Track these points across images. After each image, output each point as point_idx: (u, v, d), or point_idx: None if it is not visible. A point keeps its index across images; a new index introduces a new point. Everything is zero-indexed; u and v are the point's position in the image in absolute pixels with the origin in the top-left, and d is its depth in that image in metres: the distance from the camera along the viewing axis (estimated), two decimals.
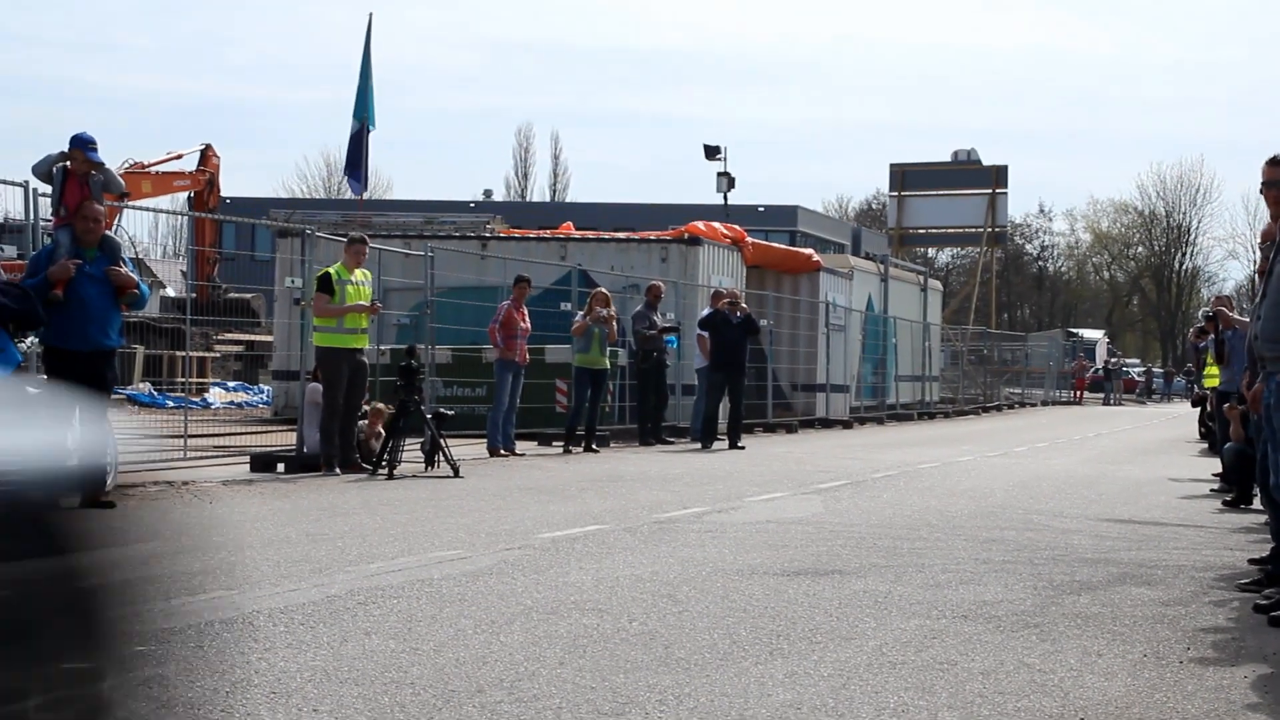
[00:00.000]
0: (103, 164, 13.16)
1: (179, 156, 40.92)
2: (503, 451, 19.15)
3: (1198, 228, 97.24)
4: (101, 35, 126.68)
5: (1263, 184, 8.21)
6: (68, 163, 12.99)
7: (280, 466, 16.00)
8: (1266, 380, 8.09)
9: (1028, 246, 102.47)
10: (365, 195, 37.14)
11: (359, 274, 16.42)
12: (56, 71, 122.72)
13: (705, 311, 24.14)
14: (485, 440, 19.36)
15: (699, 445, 22.66)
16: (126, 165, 37.80)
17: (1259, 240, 9.18)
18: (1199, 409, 26.18)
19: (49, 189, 13.31)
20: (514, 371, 19.49)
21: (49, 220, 13.60)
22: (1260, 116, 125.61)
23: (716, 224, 30.81)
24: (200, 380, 30.98)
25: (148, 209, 32.87)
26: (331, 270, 16.22)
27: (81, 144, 12.93)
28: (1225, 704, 5.81)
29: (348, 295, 16.11)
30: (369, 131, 34.72)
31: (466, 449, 18.20)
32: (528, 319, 19.81)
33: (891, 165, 74.83)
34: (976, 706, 5.62)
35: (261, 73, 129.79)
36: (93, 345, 11.86)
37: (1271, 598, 8.06)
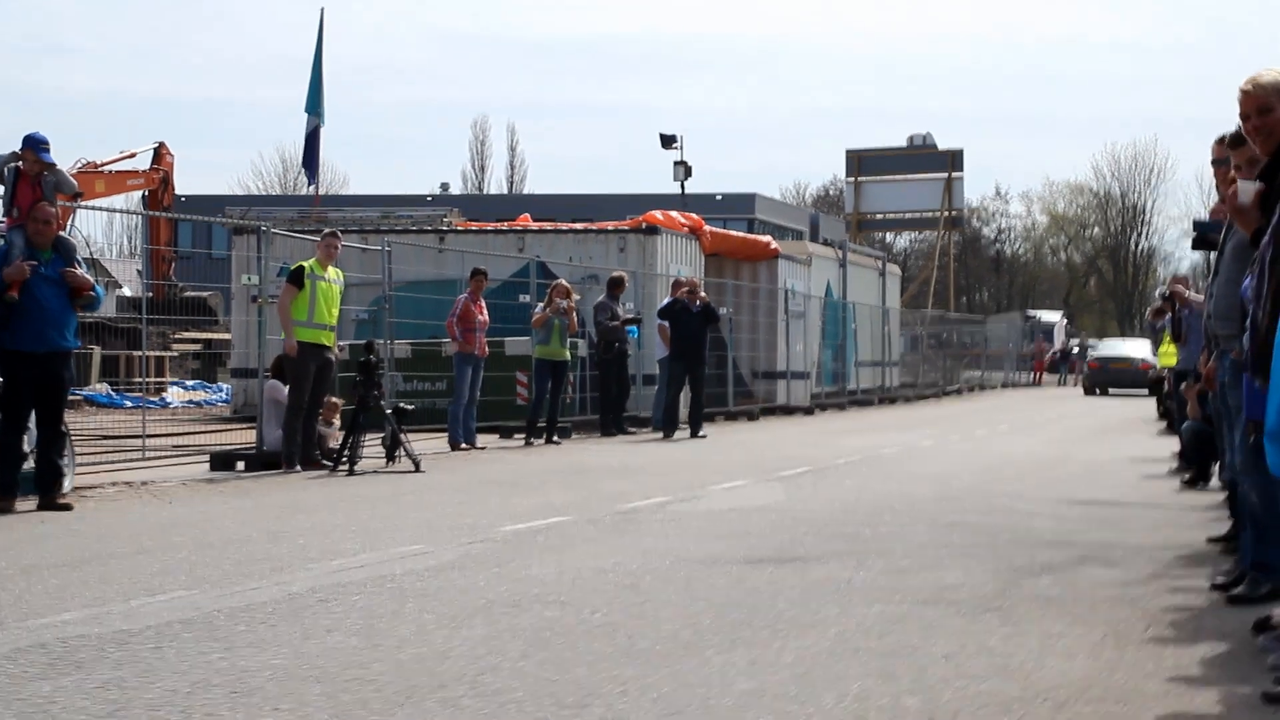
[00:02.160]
0: (55, 164, 13.03)
1: (132, 155, 40.69)
2: (464, 445, 19.10)
3: (1153, 207, 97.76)
4: (51, 37, 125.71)
5: (1212, 161, 8.26)
6: (19, 163, 12.86)
7: (240, 465, 15.93)
8: (1220, 358, 8.14)
9: (985, 229, 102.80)
10: (321, 191, 37.02)
11: (332, 271, 16.36)
12: (6, 74, 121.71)
13: (665, 301, 24.15)
14: (446, 434, 19.31)
15: (660, 435, 22.67)
16: (79, 165, 37.53)
17: (1210, 218, 9.22)
18: (1158, 388, 26.36)
19: (0, 190, 13.19)
20: (473, 365, 19.44)
21: (1, 222, 13.48)
22: (1213, 95, 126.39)
23: (674, 213, 30.78)
24: (158, 380, 30.80)
25: (102, 209, 32.73)
26: (306, 265, 16.14)
27: (33, 144, 12.81)
28: (1184, 683, 5.84)
29: (319, 291, 16.02)
30: (321, 126, 34.62)
31: (427, 443, 18.17)
32: (485, 312, 19.76)
33: (848, 151, 74.95)
34: (939, 691, 5.64)
35: (215, 71, 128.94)
36: (50, 347, 11.80)
37: (1230, 575, 8.11)
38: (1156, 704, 5.50)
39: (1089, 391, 48.28)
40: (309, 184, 36.24)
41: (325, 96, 35.40)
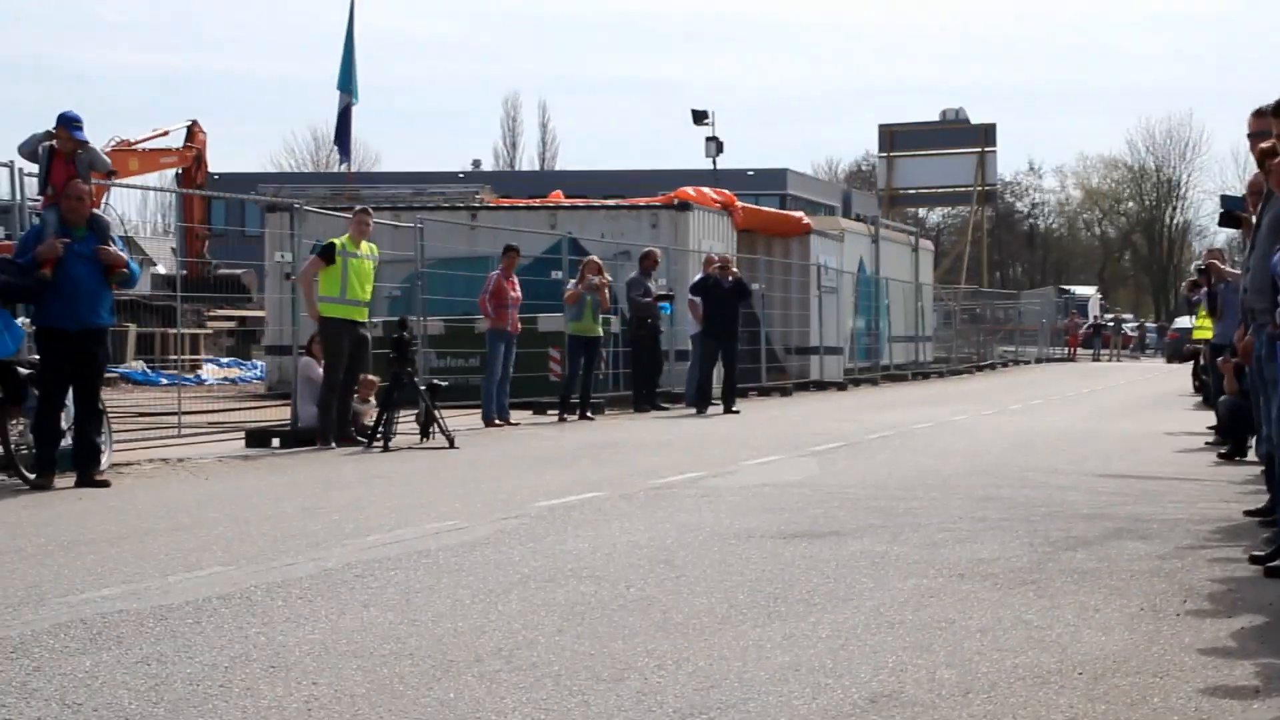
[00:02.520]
0: (88, 142, 13.11)
1: (165, 133, 40.82)
2: (498, 421, 19.14)
3: (1188, 181, 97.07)
4: (82, 13, 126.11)
5: (1249, 135, 8.20)
6: (53, 142, 12.93)
7: (275, 441, 16.00)
8: (1257, 332, 8.10)
9: (1018, 204, 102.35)
10: (352, 168, 37.08)
11: (365, 247, 16.39)
12: (40, 50, 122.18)
13: (697, 277, 24.12)
14: (480, 411, 19.35)
15: (693, 411, 22.67)
16: (113, 143, 37.69)
17: (1248, 191, 9.17)
18: (1193, 362, 26.19)
19: (35, 168, 13.26)
20: (506, 341, 19.46)
21: (36, 200, 13.56)
22: (1248, 68, 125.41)
23: (706, 189, 30.74)
24: (193, 357, 30.98)
25: (136, 186, 32.76)
26: (337, 241, 16.17)
27: (66, 122, 12.88)
28: (1222, 655, 5.82)
29: (350, 268, 16.06)
30: (353, 104, 34.67)
31: (461, 420, 18.21)
32: (518, 288, 19.77)
33: (880, 126, 74.79)
34: (975, 664, 5.63)
35: (246, 47, 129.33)
36: (82, 324, 11.84)
37: (1268, 547, 8.07)
38: (1194, 676, 5.48)
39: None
40: (341, 162, 36.32)
41: (357, 73, 35.44)
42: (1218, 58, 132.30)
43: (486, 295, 19.46)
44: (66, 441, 12.13)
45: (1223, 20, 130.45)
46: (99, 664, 5.60)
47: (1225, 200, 9.04)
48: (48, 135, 13.01)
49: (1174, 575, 7.67)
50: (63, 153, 12.83)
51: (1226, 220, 9.15)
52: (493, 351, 19.42)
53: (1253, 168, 9.29)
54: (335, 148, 36.56)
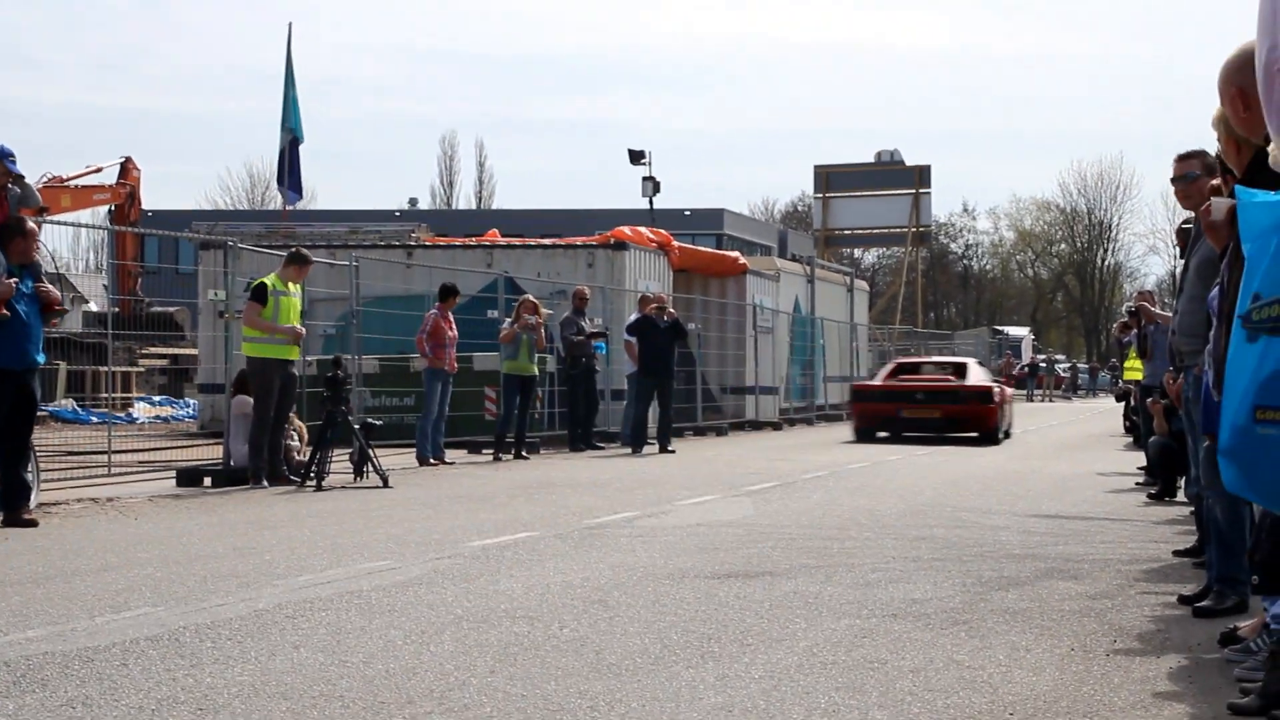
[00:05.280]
0: (23, 177, 13.00)
1: (99, 170, 40.48)
2: (432, 461, 19.06)
3: (1119, 224, 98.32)
4: (13, 50, 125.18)
5: (1172, 179, 8.31)
6: None
7: (207, 480, 15.86)
8: (1185, 374, 8.19)
9: (952, 245, 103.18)
10: (289, 205, 36.92)
11: (293, 286, 16.36)
12: None
13: (633, 317, 24.15)
14: (415, 450, 19.26)
15: (629, 450, 22.66)
16: (45, 179, 37.34)
17: (1175, 238, 9.29)
18: (1123, 403, 26.43)
19: None
20: (443, 380, 19.41)
21: None
22: (1177, 112, 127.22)
23: (642, 228, 30.80)
24: (124, 395, 30.66)
25: (68, 223, 32.50)
26: (268, 280, 16.11)
27: (2, 156, 12.76)
28: (1150, 695, 5.87)
29: (280, 306, 16.00)
30: (299, 143, 34.55)
31: (395, 459, 18.11)
32: (455, 327, 19.74)
33: (816, 167, 75.18)
34: (907, 704, 5.64)
35: (181, 84, 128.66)
36: (27, 363, 11.81)
37: (1197, 588, 8.14)
38: (1124, 716, 5.52)
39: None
40: (292, 202, 36.10)
41: (293, 112, 35.30)
42: (1148, 102, 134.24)
43: (424, 334, 19.41)
44: None
45: (1153, 64, 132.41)
46: (22, 707, 5.51)
47: (1181, 233, 9.20)
48: None
49: (1104, 615, 7.72)
50: None
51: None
52: (429, 390, 19.35)
53: (1181, 211, 9.42)
54: (280, 188, 36.28)
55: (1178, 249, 9.32)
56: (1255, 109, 5.42)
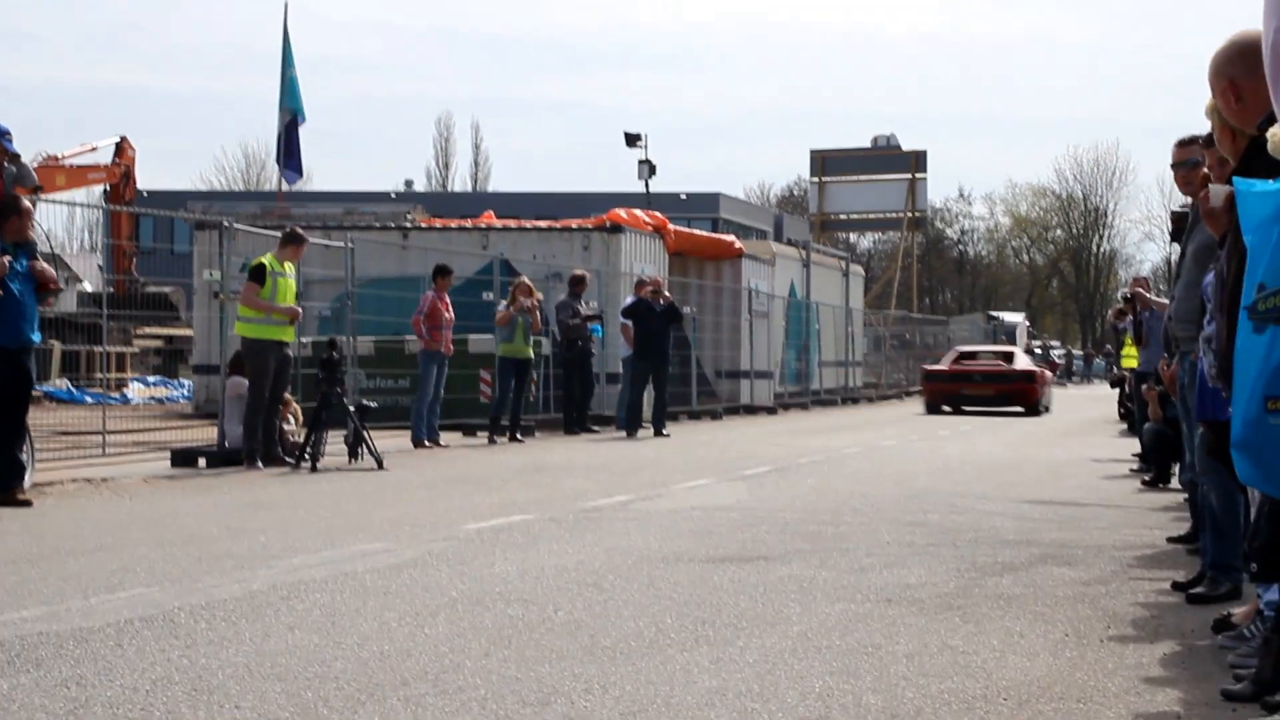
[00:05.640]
0: (18, 155, 12.98)
1: (93, 149, 40.35)
2: (427, 443, 19.06)
3: (1114, 210, 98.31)
4: (8, 26, 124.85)
5: (1172, 164, 8.30)
6: None
7: (202, 461, 15.86)
8: (1180, 360, 8.19)
9: (948, 231, 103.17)
10: (285, 187, 36.86)
11: (288, 266, 16.34)
12: None
13: (628, 300, 24.15)
14: (409, 432, 19.27)
15: (624, 434, 22.67)
16: (40, 158, 37.26)
17: (1170, 222, 9.29)
18: (1118, 390, 26.52)
19: None
20: (439, 362, 19.41)
21: None
22: (1173, 99, 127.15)
23: (638, 211, 30.80)
24: (119, 375, 30.65)
25: (63, 202, 32.45)
26: (265, 260, 16.08)
27: None
28: (1143, 681, 5.87)
29: (278, 287, 15.98)
30: (300, 123, 34.52)
31: (390, 441, 18.11)
32: (451, 309, 19.73)
33: (812, 151, 75.04)
34: (901, 689, 5.65)
35: (176, 63, 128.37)
36: (23, 342, 11.80)
37: (1190, 574, 8.16)
38: (1117, 702, 5.53)
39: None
40: (291, 182, 36.05)
41: (293, 91, 35.25)
42: (1144, 88, 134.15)
43: (421, 316, 19.40)
44: None
45: (1149, 51, 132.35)
46: (16, 687, 5.51)
47: (1176, 216, 9.20)
48: None
49: (1098, 601, 7.73)
50: None
51: (1178, 235, 9.29)
52: (425, 373, 19.35)
53: (1177, 197, 9.42)
54: (281, 167, 36.22)
55: (1171, 232, 9.31)
56: (1247, 100, 5.41)
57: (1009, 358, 36.70)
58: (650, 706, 5.35)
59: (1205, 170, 7.02)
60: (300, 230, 17.08)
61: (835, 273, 44.53)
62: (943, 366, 36.58)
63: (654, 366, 23.14)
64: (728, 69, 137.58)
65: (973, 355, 37.87)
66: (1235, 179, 5.22)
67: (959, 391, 34.80)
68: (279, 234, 17.12)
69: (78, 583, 7.91)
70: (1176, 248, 8.79)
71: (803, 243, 48.48)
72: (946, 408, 34.43)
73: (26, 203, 12.13)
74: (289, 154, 34.97)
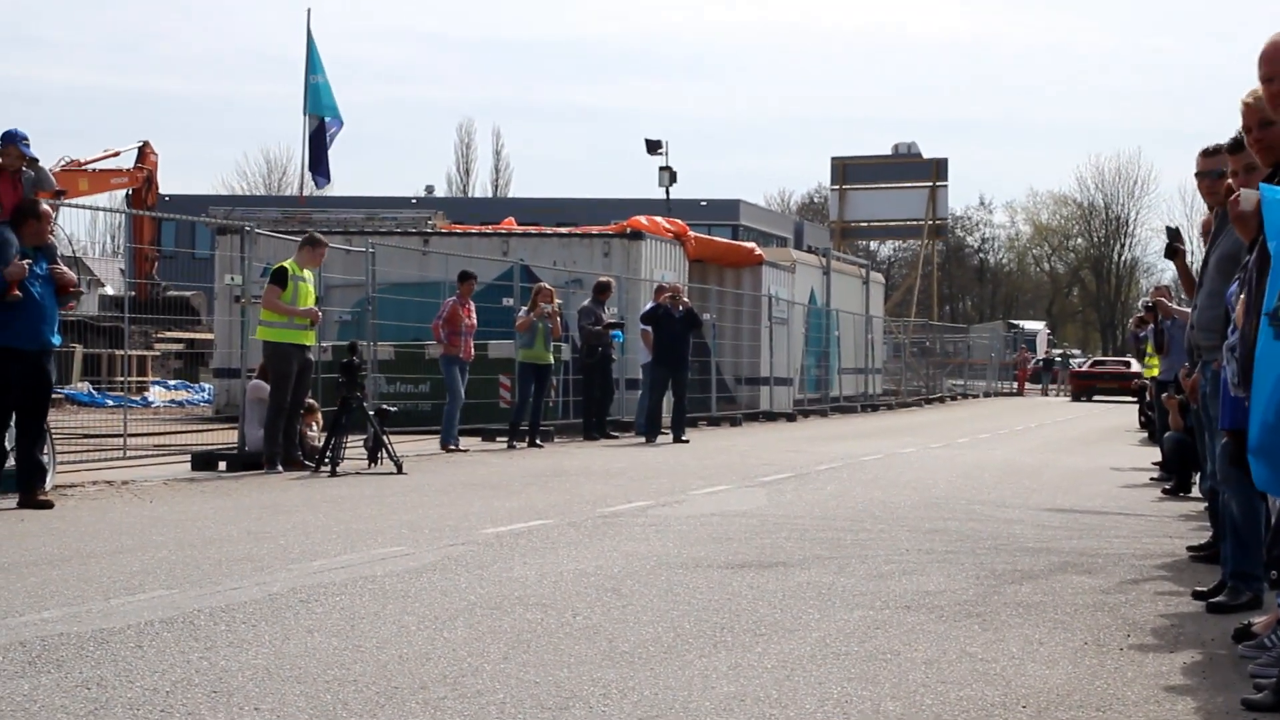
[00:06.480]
0: (37, 160, 13.03)
1: (116, 154, 40.55)
2: (452, 447, 19.11)
3: (1136, 219, 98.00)
4: (30, 30, 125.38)
5: (1196, 173, 8.28)
6: None
7: (222, 465, 15.90)
8: (1202, 369, 8.16)
9: (968, 239, 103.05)
10: (306, 192, 36.95)
11: (308, 272, 16.40)
12: None
13: (648, 306, 24.15)
14: (426, 437, 19.30)
15: (643, 439, 22.67)
16: (63, 163, 37.43)
17: (1201, 231, 9.27)
18: (1139, 399, 26.45)
19: None
20: (460, 367, 19.45)
21: None
22: (1195, 107, 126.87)
23: (659, 218, 30.80)
24: (140, 379, 30.74)
25: (85, 207, 32.53)
26: (287, 265, 16.14)
27: (14, 139, 12.80)
28: (1163, 690, 5.86)
29: (298, 291, 16.04)
30: (339, 127, 34.67)
31: (410, 445, 18.14)
32: (474, 315, 19.76)
33: (833, 159, 75.11)
34: (919, 696, 5.64)
35: (198, 69, 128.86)
36: (42, 344, 11.83)
37: (1211, 584, 8.13)
38: (1137, 711, 5.51)
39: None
40: (321, 186, 36.20)
41: (320, 96, 35.34)
42: (1166, 97, 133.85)
43: (440, 321, 19.44)
44: (9, 462, 12.02)
45: (1171, 58, 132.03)
46: (37, 687, 5.53)
47: (1171, 232, 9.15)
48: None
49: (1118, 610, 7.71)
50: (7, 170, 12.73)
51: (1172, 253, 9.27)
52: (449, 377, 19.40)
53: (1200, 206, 9.40)
54: (312, 173, 36.35)
55: (1166, 249, 9.28)
56: None
57: (1127, 364, 48.87)
58: (668, 712, 5.35)
59: (1229, 181, 7.01)
60: (319, 235, 17.13)
61: (855, 280, 44.47)
62: (1085, 369, 54.70)
63: (673, 372, 23.14)
64: (749, 76, 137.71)
65: (1102, 362, 56.96)
66: (1262, 185, 5.21)
67: (1094, 385, 51.34)
68: (298, 240, 17.17)
69: (98, 584, 7.93)
70: (1198, 257, 8.77)
71: (823, 250, 48.44)
72: (1082, 398, 50.98)
73: (46, 206, 12.18)
74: (316, 160, 35.09)
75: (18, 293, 11.62)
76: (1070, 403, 50.48)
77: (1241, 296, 5.93)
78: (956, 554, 9.77)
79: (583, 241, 27.96)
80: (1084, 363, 58.82)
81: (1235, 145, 6.90)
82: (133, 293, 34.04)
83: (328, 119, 35.12)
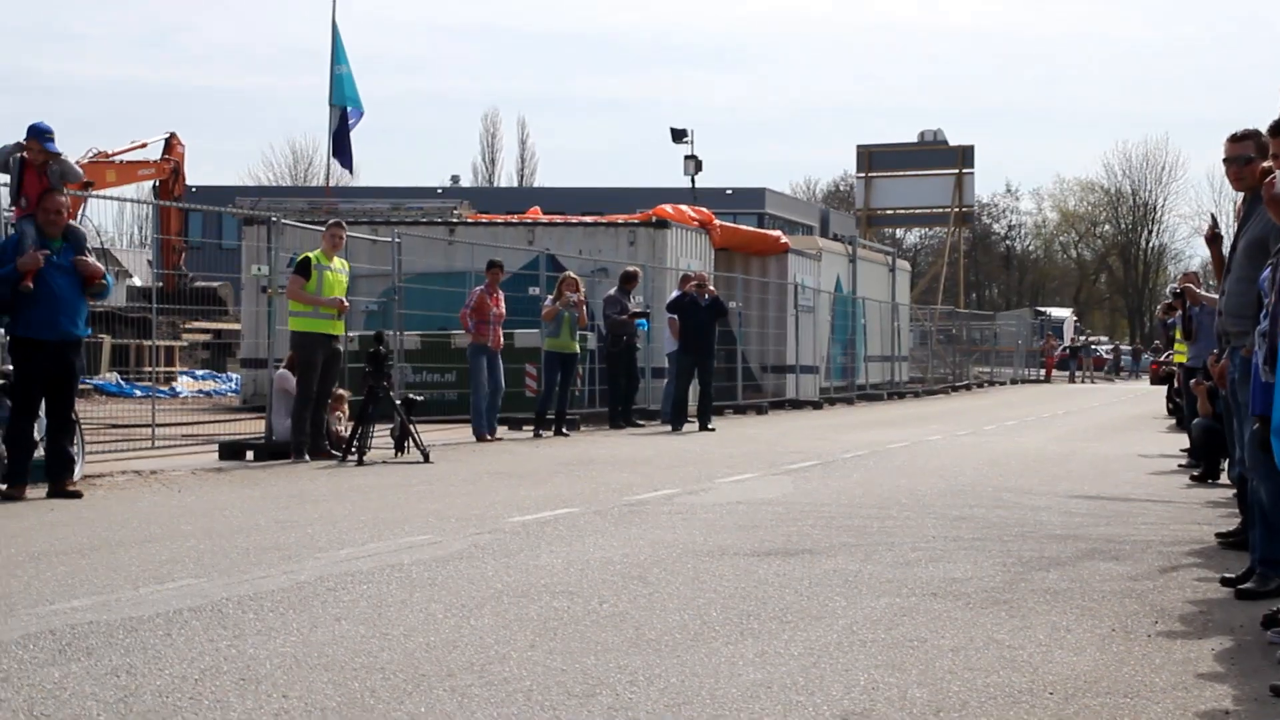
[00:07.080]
0: (60, 154, 13.04)
1: (144, 145, 40.72)
2: (488, 436, 19.15)
3: (1163, 205, 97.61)
4: (58, 24, 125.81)
5: (1225, 159, 8.23)
6: (24, 153, 12.87)
7: (249, 454, 15.95)
8: (1231, 356, 8.13)
9: (995, 226, 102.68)
10: (331, 182, 37.03)
11: (337, 261, 16.40)
12: (13, 62, 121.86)
13: (674, 294, 24.14)
14: (454, 426, 19.32)
15: (669, 428, 22.67)
16: (91, 155, 37.59)
17: (1236, 215, 9.23)
18: (1166, 385, 26.35)
19: (6, 179, 13.20)
20: (487, 356, 19.46)
21: (10, 211, 13.50)
22: (1223, 93, 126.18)
23: (684, 207, 30.77)
24: (168, 369, 30.89)
25: (113, 198, 32.75)
26: (312, 255, 16.18)
27: (38, 134, 12.80)
28: (1191, 676, 5.84)
29: (325, 281, 16.07)
30: (359, 116, 34.78)
31: (436, 434, 18.17)
32: (503, 304, 19.77)
33: (858, 146, 74.85)
34: (946, 683, 5.64)
35: (226, 60, 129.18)
36: (62, 335, 11.87)
37: (1239, 570, 8.10)
38: (1164, 698, 5.50)
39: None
40: (349, 173, 36.42)
41: (344, 87, 35.40)
42: (1194, 83, 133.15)
43: (468, 310, 19.46)
44: (39, 452, 12.08)
45: (1199, 46, 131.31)
46: (68, 675, 5.57)
47: (1213, 217, 9.16)
48: (19, 146, 12.93)
49: (1145, 596, 7.68)
50: (34, 164, 12.76)
51: (1213, 238, 9.24)
52: (475, 366, 19.41)
53: (1228, 191, 9.37)
54: (335, 161, 36.51)
55: (1209, 230, 9.24)
56: None
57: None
58: (695, 699, 5.36)
59: (1265, 164, 6.96)
60: (336, 221, 17.13)
61: (881, 268, 44.38)
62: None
63: (699, 361, 23.12)
64: (774, 64, 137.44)
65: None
66: None
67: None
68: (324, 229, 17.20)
69: (127, 573, 7.97)
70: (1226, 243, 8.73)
71: (849, 238, 48.38)
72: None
73: (58, 199, 12.16)
74: (340, 149, 35.19)
75: (29, 284, 11.64)
76: (1099, 388, 50.34)
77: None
78: (983, 541, 9.75)
79: (608, 230, 27.96)
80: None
81: (1276, 128, 6.83)
82: (160, 283, 34.17)
83: (349, 109, 35.21)
